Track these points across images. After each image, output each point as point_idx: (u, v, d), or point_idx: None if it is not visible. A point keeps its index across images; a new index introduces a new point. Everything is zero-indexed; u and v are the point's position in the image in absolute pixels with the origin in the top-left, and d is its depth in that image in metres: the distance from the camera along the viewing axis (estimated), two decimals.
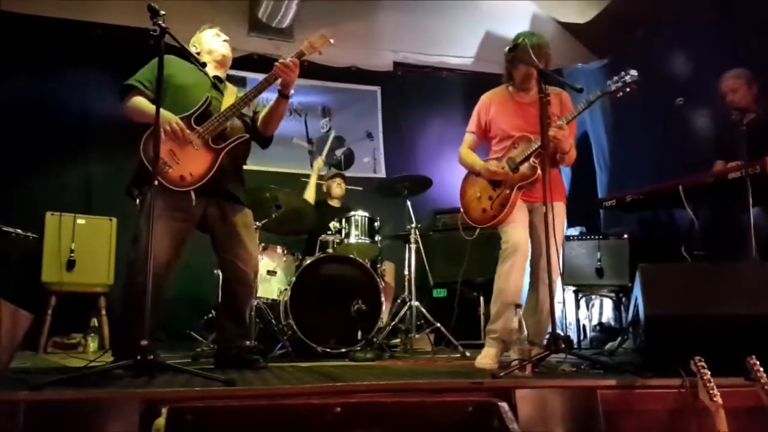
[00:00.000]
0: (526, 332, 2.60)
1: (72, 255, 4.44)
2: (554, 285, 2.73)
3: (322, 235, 4.23)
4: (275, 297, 4.11)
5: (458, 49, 6.53)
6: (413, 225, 4.38)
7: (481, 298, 4.73)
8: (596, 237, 4.68)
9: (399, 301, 4.34)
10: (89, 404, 1.74)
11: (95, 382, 2.03)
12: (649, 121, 4.94)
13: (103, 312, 4.57)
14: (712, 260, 3.41)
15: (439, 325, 4.07)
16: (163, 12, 2.35)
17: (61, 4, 5.25)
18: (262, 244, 4.08)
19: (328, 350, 3.71)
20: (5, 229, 4.18)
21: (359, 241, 4.21)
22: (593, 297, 4.95)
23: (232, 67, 3.14)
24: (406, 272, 4.32)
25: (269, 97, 2.93)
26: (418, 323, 4.16)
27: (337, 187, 4.95)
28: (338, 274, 3.94)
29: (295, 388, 1.94)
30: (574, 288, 4.81)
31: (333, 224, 4.23)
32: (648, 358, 2.32)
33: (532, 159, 2.90)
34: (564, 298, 4.78)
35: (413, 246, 4.34)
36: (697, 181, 3.40)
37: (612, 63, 5.63)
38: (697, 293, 2.29)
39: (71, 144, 5.14)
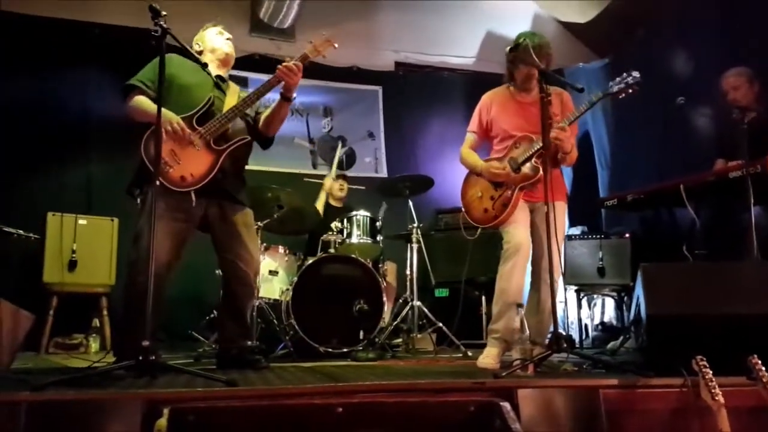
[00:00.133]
0: (528, 332, 2.59)
1: (73, 255, 4.44)
2: (556, 284, 2.74)
3: (324, 235, 4.23)
4: (277, 297, 4.11)
5: (459, 48, 6.53)
6: (415, 225, 4.37)
7: (483, 298, 4.72)
8: (598, 236, 4.67)
9: (401, 300, 4.33)
10: (91, 405, 1.74)
11: (97, 382, 2.03)
12: (650, 121, 4.94)
13: (105, 312, 4.57)
14: (714, 259, 3.41)
15: (441, 324, 4.07)
16: (164, 13, 2.34)
17: (60, 4, 5.25)
18: (264, 244, 4.08)
19: (330, 350, 3.71)
20: (7, 229, 4.18)
21: (361, 241, 4.20)
22: (595, 296, 4.95)
23: (234, 67, 3.12)
24: (408, 272, 4.31)
25: (272, 97, 2.92)
26: (420, 323, 4.15)
27: (339, 190, 4.95)
28: (340, 274, 3.94)
29: (297, 389, 1.95)
30: (575, 287, 4.80)
31: (335, 224, 4.22)
32: (650, 357, 2.31)
33: (533, 159, 2.90)
34: (566, 297, 4.79)
35: (415, 246, 4.33)
36: (698, 180, 3.40)
37: (613, 62, 5.64)
38: (699, 292, 2.29)
39: (71, 144, 5.13)
